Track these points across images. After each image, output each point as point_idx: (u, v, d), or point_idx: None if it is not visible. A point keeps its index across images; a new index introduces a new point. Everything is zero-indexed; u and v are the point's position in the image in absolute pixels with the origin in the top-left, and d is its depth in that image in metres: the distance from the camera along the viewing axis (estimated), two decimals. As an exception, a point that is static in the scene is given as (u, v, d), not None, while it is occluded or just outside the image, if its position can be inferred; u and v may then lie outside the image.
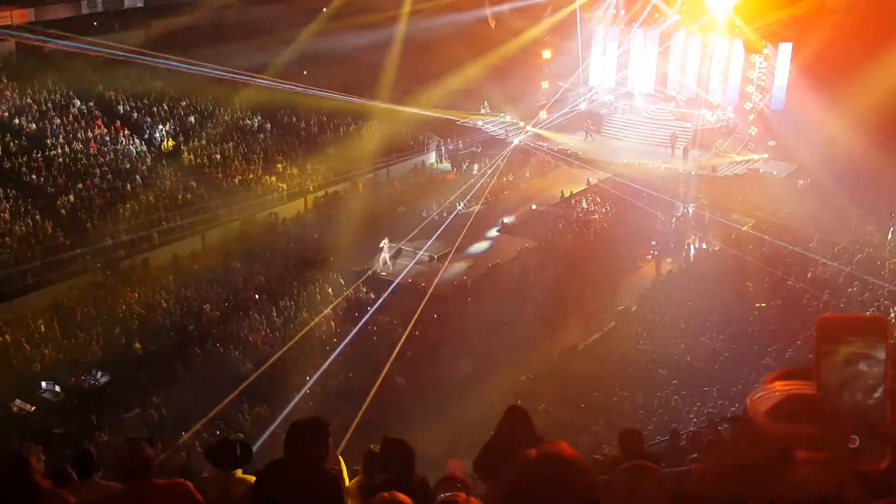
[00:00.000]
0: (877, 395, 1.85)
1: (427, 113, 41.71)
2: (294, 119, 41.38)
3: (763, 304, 26.06)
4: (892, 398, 1.87)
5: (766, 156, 40.12)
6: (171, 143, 36.73)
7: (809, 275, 26.14)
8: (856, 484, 1.90)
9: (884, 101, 31.09)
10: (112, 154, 34.76)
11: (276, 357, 24.26)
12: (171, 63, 36.91)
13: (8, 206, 30.16)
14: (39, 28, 36.83)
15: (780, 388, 2.02)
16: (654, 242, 32.75)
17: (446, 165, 43.21)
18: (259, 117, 40.16)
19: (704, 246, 31.99)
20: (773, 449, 1.93)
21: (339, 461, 6.44)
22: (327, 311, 26.89)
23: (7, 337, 25.19)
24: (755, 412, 1.96)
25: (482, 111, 45.14)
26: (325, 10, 43.36)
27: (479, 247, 32.91)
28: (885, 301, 23.09)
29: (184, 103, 39.15)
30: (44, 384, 22.99)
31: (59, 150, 33.67)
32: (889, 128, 31.30)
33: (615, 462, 6.76)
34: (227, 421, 20.99)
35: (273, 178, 36.58)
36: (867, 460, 1.88)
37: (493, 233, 33.97)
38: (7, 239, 28.75)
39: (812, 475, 1.93)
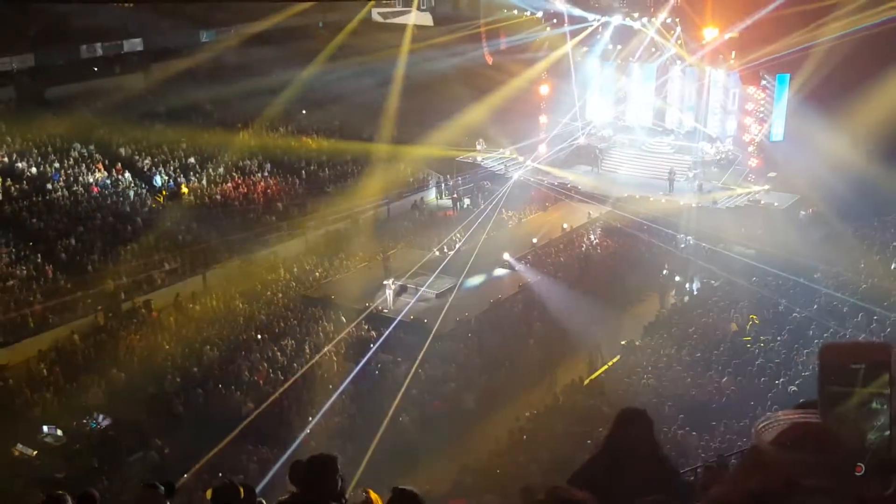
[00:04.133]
0: (886, 433, 1.82)
1: (427, 151, 41.94)
2: (294, 158, 41.52)
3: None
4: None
5: (767, 187, 40.15)
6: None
7: (815, 306, 26.05)
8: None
9: (883, 128, 31.20)
10: (113, 197, 34.87)
11: (278, 397, 24.12)
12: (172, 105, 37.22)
13: (9, 249, 30.20)
14: (40, 73, 37.16)
15: (785, 416, 2.00)
16: (664, 272, 32.74)
17: (446, 202, 43.33)
18: (259, 157, 40.30)
19: (707, 279, 31.91)
20: (779, 477, 1.89)
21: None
22: (330, 349, 26.77)
23: (9, 381, 25.14)
24: (761, 441, 1.93)
25: (478, 147, 45.36)
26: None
27: (481, 282, 32.80)
28: (893, 330, 22.98)
29: (184, 145, 39.30)
30: (45, 428, 22.84)
31: (60, 194, 33.78)
32: (889, 155, 31.36)
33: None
34: (230, 462, 20.80)
35: (273, 218, 36.65)
36: (873, 488, 1.85)
37: (495, 268, 33.87)
38: (8, 282, 28.75)
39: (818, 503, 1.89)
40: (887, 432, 1.85)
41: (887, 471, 1.84)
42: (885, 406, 1.83)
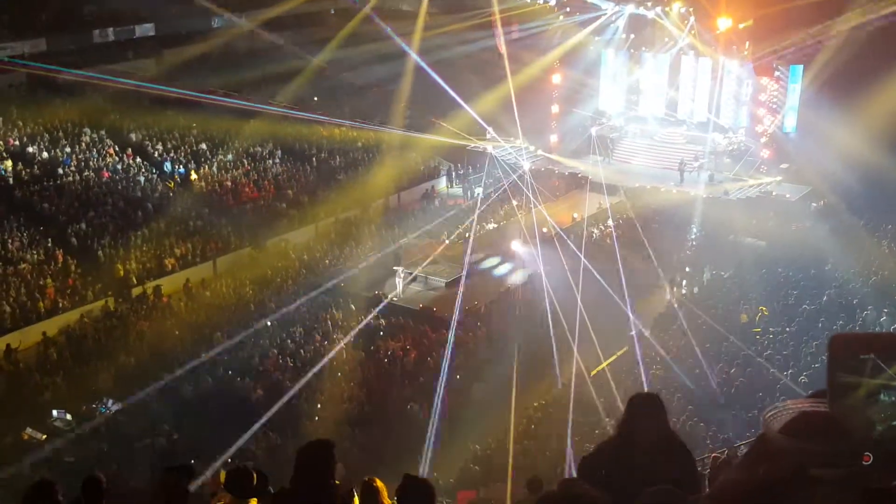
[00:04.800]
0: (894, 423, 1.82)
1: (438, 138, 41.90)
2: (305, 146, 41.50)
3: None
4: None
5: (779, 178, 40.01)
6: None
7: (825, 298, 25.95)
8: (869, 501, 1.85)
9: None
10: (124, 182, 34.93)
11: (287, 384, 24.17)
12: (183, 91, 37.16)
13: (20, 234, 30.30)
14: (51, 58, 37.18)
15: (794, 405, 2.00)
16: (674, 263, 32.66)
17: (457, 191, 43.30)
18: (270, 144, 40.30)
19: (717, 270, 31.82)
20: (788, 465, 1.87)
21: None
22: (339, 337, 26.80)
23: (19, 365, 25.27)
24: (770, 429, 1.92)
25: (487, 137, 45.25)
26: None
27: (491, 271, 32.81)
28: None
29: (195, 131, 39.33)
30: (55, 412, 22.95)
31: (71, 179, 33.86)
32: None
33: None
34: (238, 448, 20.86)
35: (283, 205, 36.67)
36: (881, 477, 1.84)
37: (505, 257, 33.85)
38: (20, 267, 28.84)
39: (826, 493, 1.88)
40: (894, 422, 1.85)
41: (894, 459, 1.83)
42: (894, 397, 1.82)
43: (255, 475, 6.47)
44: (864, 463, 1.83)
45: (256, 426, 21.99)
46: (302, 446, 5.02)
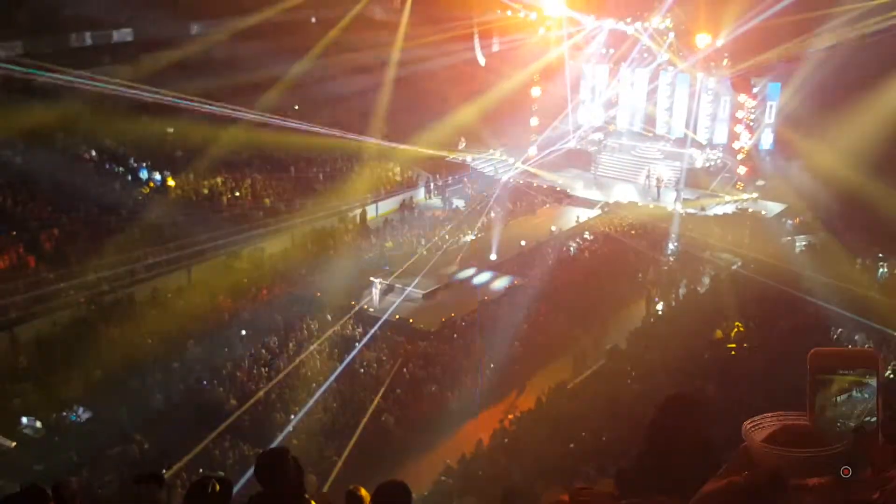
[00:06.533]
0: (868, 421, 1.81)
1: (417, 150, 41.88)
2: (283, 154, 41.32)
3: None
4: (882, 429, 1.89)
5: (755, 195, 40.30)
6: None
7: (800, 315, 26.07)
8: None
9: (872, 139, 31.32)
10: (98, 188, 34.58)
11: (260, 394, 24.00)
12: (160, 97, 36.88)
13: (-9, 239, 29.92)
14: (27, 61, 36.79)
15: (774, 418, 1.98)
16: (651, 278, 32.76)
17: (435, 202, 43.29)
18: (247, 153, 40.09)
19: (693, 285, 31.93)
20: (769, 476, 1.85)
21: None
22: (314, 347, 26.65)
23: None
24: (751, 440, 1.89)
25: (460, 146, 45.32)
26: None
27: (468, 283, 32.76)
28: (877, 342, 23.02)
29: (171, 137, 39.01)
30: (24, 420, 22.64)
31: (45, 184, 33.48)
32: (877, 166, 31.46)
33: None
34: (210, 458, 20.67)
35: (260, 213, 36.47)
36: (859, 490, 1.83)
37: (483, 269, 33.83)
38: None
39: (807, 502, 1.86)
40: (872, 419, 1.86)
41: (873, 472, 1.82)
42: (872, 405, 1.82)
43: (216, 486, 6.32)
44: (843, 476, 1.82)
45: (228, 436, 21.90)
46: (259, 456, 5.01)
